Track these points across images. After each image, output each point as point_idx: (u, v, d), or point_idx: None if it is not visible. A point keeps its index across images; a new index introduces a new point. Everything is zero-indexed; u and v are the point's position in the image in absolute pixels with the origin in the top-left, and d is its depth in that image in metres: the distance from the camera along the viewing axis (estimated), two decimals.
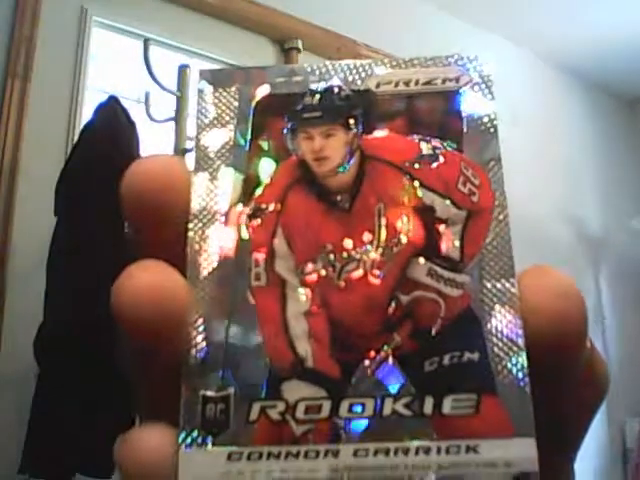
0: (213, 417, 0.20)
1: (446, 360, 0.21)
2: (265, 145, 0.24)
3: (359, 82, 0.25)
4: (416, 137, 0.24)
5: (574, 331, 0.21)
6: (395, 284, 0.22)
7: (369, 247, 0.23)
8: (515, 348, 0.21)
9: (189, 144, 1.72)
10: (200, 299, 0.22)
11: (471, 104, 0.24)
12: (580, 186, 3.13)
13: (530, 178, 2.67)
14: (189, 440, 0.20)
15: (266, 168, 0.24)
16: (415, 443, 0.20)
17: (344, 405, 0.21)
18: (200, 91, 0.24)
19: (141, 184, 0.22)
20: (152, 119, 1.70)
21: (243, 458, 0.20)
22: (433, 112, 0.25)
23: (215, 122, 0.24)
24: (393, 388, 0.21)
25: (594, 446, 2.67)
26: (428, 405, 0.21)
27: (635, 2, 2.72)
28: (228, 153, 0.24)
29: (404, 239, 0.23)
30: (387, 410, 0.21)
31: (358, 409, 0.21)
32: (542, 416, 0.20)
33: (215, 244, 0.22)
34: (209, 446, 0.20)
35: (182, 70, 1.76)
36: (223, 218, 0.23)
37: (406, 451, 0.20)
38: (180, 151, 1.68)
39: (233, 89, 0.25)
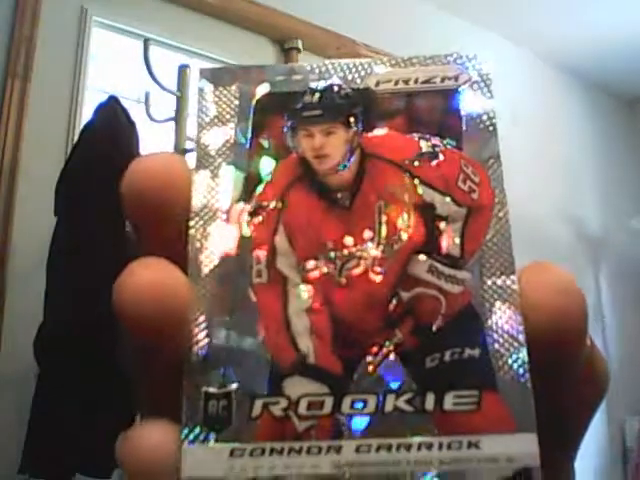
0: (215, 414, 0.20)
1: (447, 356, 0.21)
2: (265, 143, 0.24)
3: (359, 81, 0.25)
4: (416, 135, 0.24)
5: (574, 327, 0.21)
6: (396, 281, 0.22)
7: (370, 244, 0.23)
8: (516, 344, 0.21)
9: (189, 144, 1.72)
10: (201, 296, 0.22)
11: (470, 102, 0.24)
12: (580, 186, 3.14)
13: (530, 178, 2.67)
14: (191, 437, 0.20)
15: (267, 166, 0.24)
16: (417, 439, 0.20)
17: (346, 401, 0.21)
18: (201, 90, 0.25)
19: (141, 182, 0.22)
20: (152, 119, 1.70)
21: (246, 454, 0.20)
22: (432, 110, 0.25)
23: (216, 120, 0.24)
24: (395, 384, 0.21)
25: (594, 445, 2.68)
26: (430, 401, 0.21)
27: (635, 2, 2.72)
28: (229, 151, 0.24)
29: (404, 236, 0.23)
30: (389, 406, 0.21)
31: (360, 405, 0.21)
32: (542, 413, 0.20)
33: (216, 242, 0.22)
34: (211, 443, 0.20)
35: (182, 70, 1.76)
36: (224, 216, 0.23)
37: (408, 447, 0.20)
38: (180, 151, 1.68)
39: (233, 88, 0.25)
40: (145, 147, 1.58)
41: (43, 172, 1.68)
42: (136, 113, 1.61)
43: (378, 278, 0.22)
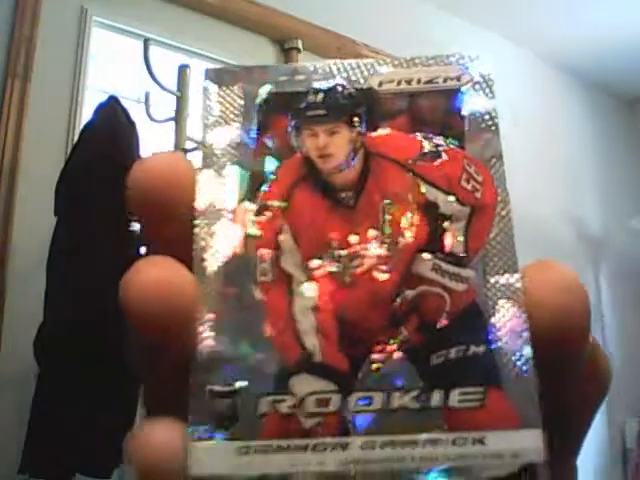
0: (222, 411, 0.21)
1: (452, 354, 0.21)
2: (270, 143, 0.24)
3: (362, 81, 0.25)
4: (419, 135, 0.24)
5: (577, 325, 0.21)
6: (400, 279, 0.23)
7: (374, 243, 0.23)
8: (520, 341, 0.21)
9: (189, 144, 1.73)
10: (207, 295, 0.22)
11: (472, 102, 0.25)
12: (580, 186, 3.14)
13: (530, 178, 2.67)
14: (198, 434, 0.20)
15: (271, 165, 0.24)
16: (423, 436, 0.20)
17: (352, 399, 0.21)
18: (205, 90, 0.25)
19: (146, 182, 0.22)
20: (152, 119, 1.70)
21: (252, 452, 0.20)
22: (435, 110, 0.25)
23: (220, 120, 0.24)
24: (400, 382, 0.21)
25: (594, 446, 2.68)
26: (435, 398, 0.21)
27: (635, 2, 2.72)
28: (234, 151, 0.24)
29: (408, 235, 0.23)
30: (395, 403, 0.21)
31: (366, 403, 0.21)
32: (545, 409, 0.20)
33: (221, 241, 0.23)
34: (218, 440, 0.20)
35: (182, 70, 1.76)
36: (229, 215, 0.23)
37: (413, 444, 0.20)
38: (180, 151, 1.68)
39: (238, 88, 0.25)
40: (145, 147, 1.58)
41: (43, 172, 1.68)
42: (136, 113, 1.61)
43: (383, 276, 0.23)
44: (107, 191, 1.44)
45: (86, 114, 1.77)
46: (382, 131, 0.25)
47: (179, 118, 1.72)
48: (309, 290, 0.22)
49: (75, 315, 1.37)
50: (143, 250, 1.47)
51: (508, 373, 0.21)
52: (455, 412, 0.21)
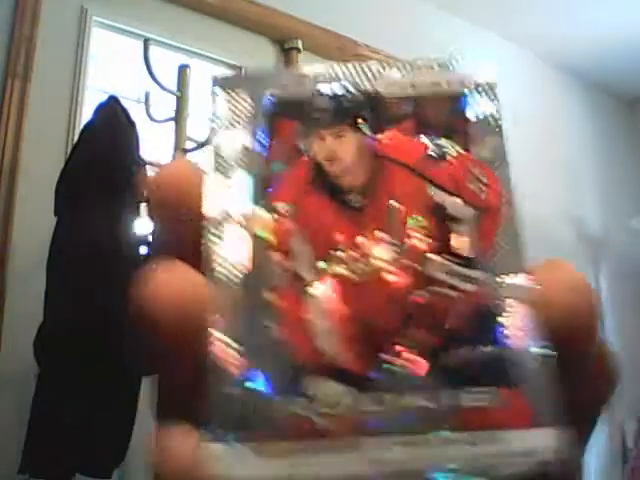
0: (237, 415, 0.21)
1: (463, 354, 0.22)
2: (277, 147, 0.25)
3: (367, 84, 0.25)
4: (424, 138, 0.25)
5: (586, 324, 0.22)
6: (410, 281, 0.23)
7: (384, 245, 0.23)
8: (530, 341, 0.21)
9: (189, 144, 1.73)
10: (219, 300, 0.22)
11: (476, 105, 0.25)
12: (580, 186, 3.14)
13: (530, 178, 2.67)
14: (213, 438, 0.20)
15: (279, 169, 0.24)
16: (436, 435, 0.21)
17: (366, 399, 0.21)
18: (213, 95, 0.25)
19: (160, 189, 0.23)
20: (152, 119, 1.70)
21: (267, 454, 0.20)
22: (440, 113, 0.25)
23: (228, 126, 0.24)
24: (413, 382, 0.22)
25: (594, 446, 2.68)
26: (448, 398, 0.21)
27: (635, 2, 2.72)
28: (242, 155, 0.24)
29: (417, 237, 0.23)
30: (408, 403, 0.21)
31: (380, 403, 0.21)
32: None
33: (232, 245, 0.23)
34: (233, 443, 0.21)
35: (182, 70, 1.76)
36: (239, 219, 0.23)
37: (427, 443, 0.20)
38: (180, 151, 1.69)
39: (245, 93, 0.25)
40: (145, 147, 1.58)
41: (43, 172, 1.68)
42: (136, 113, 1.62)
43: (393, 278, 0.23)
44: (107, 191, 1.44)
45: (86, 114, 1.78)
46: (388, 134, 0.25)
47: (179, 118, 1.73)
48: (322, 292, 0.23)
49: (75, 315, 1.38)
50: (143, 250, 1.47)
51: (519, 372, 0.21)
52: (468, 411, 0.21)
